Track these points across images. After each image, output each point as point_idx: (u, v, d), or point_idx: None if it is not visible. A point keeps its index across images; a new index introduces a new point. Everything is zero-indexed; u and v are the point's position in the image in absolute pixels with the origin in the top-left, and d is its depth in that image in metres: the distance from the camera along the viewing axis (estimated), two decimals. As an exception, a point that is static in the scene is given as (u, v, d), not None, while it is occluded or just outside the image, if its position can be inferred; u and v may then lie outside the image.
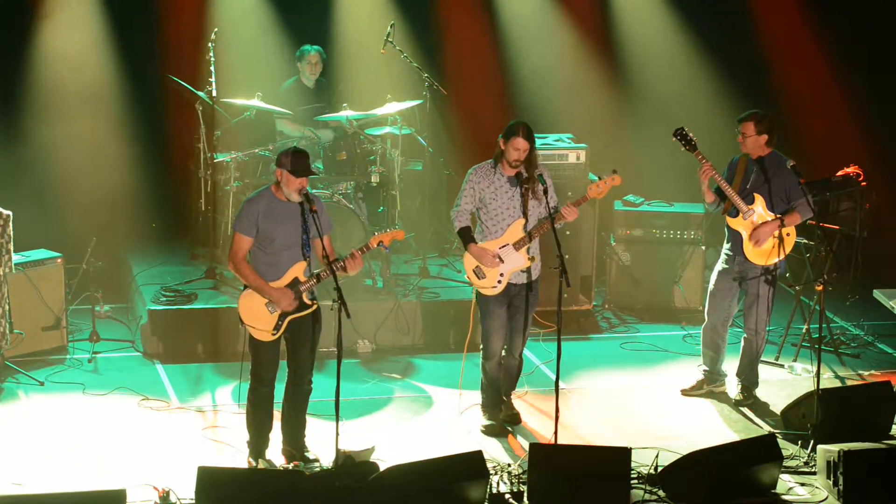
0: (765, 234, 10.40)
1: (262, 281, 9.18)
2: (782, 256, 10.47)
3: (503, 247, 9.87)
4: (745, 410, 10.69)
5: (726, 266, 10.64)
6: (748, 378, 10.85)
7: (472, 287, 10.08)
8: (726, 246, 10.66)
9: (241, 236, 9.21)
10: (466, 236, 9.98)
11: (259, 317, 9.23)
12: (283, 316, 9.24)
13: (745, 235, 10.47)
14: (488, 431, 10.10)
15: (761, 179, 10.48)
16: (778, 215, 10.41)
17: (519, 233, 9.84)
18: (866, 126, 14.48)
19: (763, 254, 10.46)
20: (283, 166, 9.12)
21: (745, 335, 10.79)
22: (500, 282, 9.89)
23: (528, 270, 9.91)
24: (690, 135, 10.38)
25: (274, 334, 9.26)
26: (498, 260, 9.86)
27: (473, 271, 9.94)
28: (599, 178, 9.90)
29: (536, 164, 9.86)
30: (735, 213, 10.49)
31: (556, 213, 9.82)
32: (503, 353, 10.11)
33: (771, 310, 10.67)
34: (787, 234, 10.45)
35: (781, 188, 10.46)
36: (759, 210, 10.43)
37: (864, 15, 14.41)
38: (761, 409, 10.73)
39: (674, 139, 10.43)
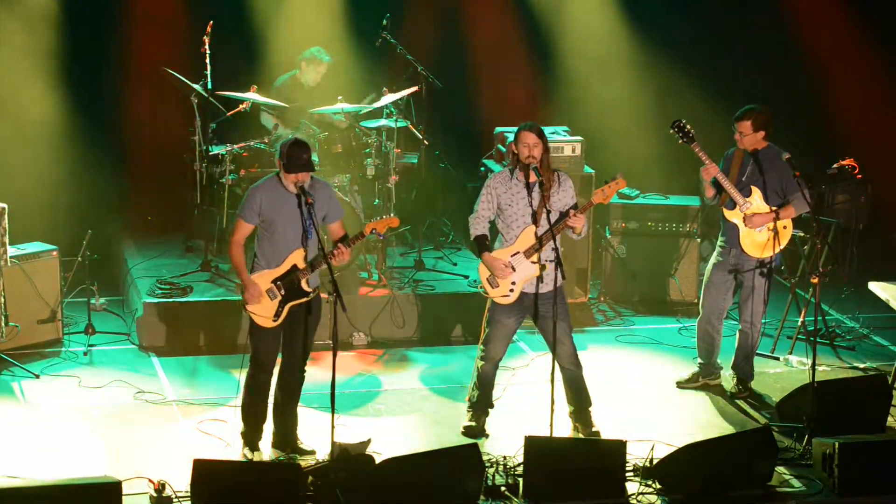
0: (758, 222, 10.39)
1: (243, 266, 9.28)
2: (779, 249, 10.46)
3: (514, 255, 9.69)
4: (741, 403, 10.70)
5: (721, 259, 10.64)
6: (743, 371, 10.85)
7: (481, 289, 9.87)
8: (721, 238, 10.66)
9: (241, 222, 9.29)
10: (481, 245, 9.77)
11: (260, 303, 9.25)
12: (282, 303, 9.27)
13: (741, 228, 10.46)
14: (468, 433, 9.94)
15: (757, 172, 10.48)
16: (774, 208, 10.41)
17: (530, 240, 9.64)
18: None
19: (759, 246, 10.46)
20: (280, 159, 9.16)
21: (740, 328, 10.79)
22: (511, 290, 9.70)
23: (543, 278, 9.64)
24: (688, 127, 10.35)
25: (275, 321, 9.28)
26: (510, 269, 9.70)
27: (487, 280, 9.77)
28: (605, 183, 9.69)
29: (549, 164, 9.64)
30: (732, 205, 10.48)
31: (566, 215, 9.62)
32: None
33: (767, 303, 10.66)
34: (784, 227, 10.44)
35: (777, 181, 10.46)
36: (757, 202, 10.42)
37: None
38: (757, 401, 10.74)
39: (671, 132, 10.40)
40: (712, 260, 10.73)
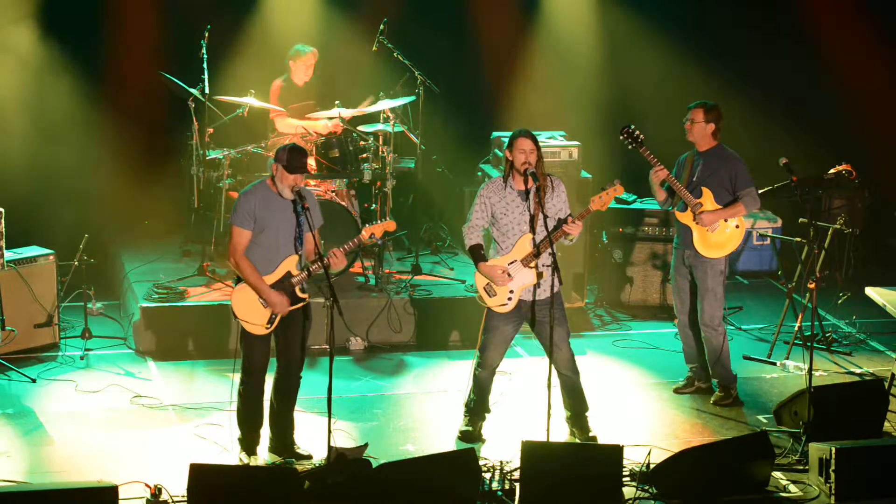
0: (708, 220, 10.41)
1: (261, 280, 9.16)
2: (733, 249, 10.50)
3: (511, 263, 9.66)
4: (738, 408, 10.67)
5: (677, 261, 10.68)
6: (720, 376, 10.73)
7: (479, 299, 9.84)
8: (676, 240, 10.70)
9: (238, 230, 9.17)
10: (477, 254, 9.74)
11: (253, 311, 9.23)
12: None
13: (694, 229, 10.49)
14: (464, 437, 9.94)
15: (707, 172, 10.51)
16: (721, 206, 10.44)
17: (527, 248, 9.61)
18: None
19: (712, 246, 10.49)
20: (279, 161, 9.14)
21: (702, 333, 10.73)
22: (510, 299, 9.67)
23: (541, 284, 9.62)
24: (637, 132, 10.37)
25: (268, 328, 9.26)
26: (507, 277, 9.65)
27: (484, 289, 9.73)
28: (602, 190, 9.68)
29: (542, 171, 9.59)
30: (684, 207, 10.51)
31: (564, 221, 9.58)
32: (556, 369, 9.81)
33: (723, 303, 10.63)
34: (737, 227, 10.49)
35: (727, 180, 10.49)
36: (708, 204, 10.46)
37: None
38: (753, 406, 10.73)
39: (620, 138, 10.41)
40: (671, 263, 10.77)
